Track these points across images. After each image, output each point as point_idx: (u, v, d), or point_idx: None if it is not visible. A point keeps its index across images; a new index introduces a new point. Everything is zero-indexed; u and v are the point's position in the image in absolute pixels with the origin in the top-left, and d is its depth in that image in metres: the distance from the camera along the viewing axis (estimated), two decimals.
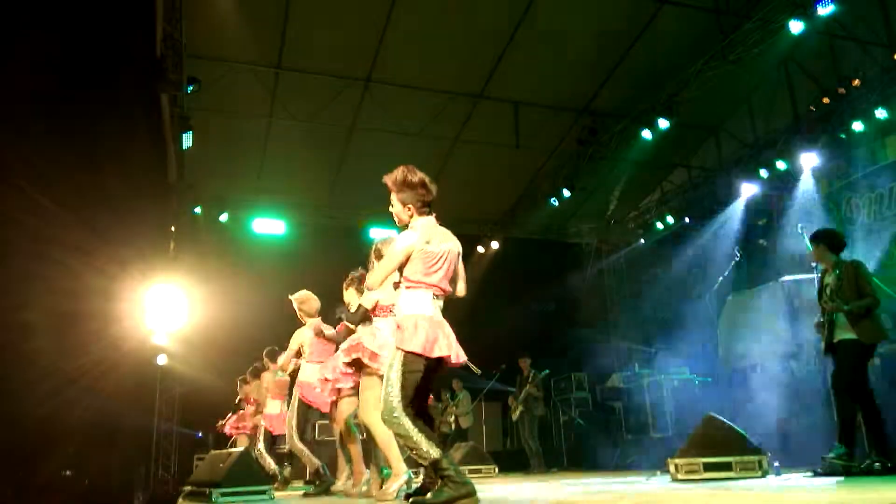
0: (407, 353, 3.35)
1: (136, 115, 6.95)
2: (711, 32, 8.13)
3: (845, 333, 4.68)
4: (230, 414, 8.67)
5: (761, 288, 8.07)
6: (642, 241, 12.63)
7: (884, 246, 8.61)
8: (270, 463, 7.26)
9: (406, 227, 3.61)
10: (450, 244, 3.60)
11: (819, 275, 5.08)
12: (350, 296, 5.38)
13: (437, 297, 3.54)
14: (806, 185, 9.95)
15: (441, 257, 3.52)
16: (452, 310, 4.01)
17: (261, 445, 7.42)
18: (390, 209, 3.64)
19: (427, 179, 3.58)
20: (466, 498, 3.12)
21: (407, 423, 3.25)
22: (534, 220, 12.21)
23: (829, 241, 4.95)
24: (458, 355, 3.52)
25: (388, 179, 3.61)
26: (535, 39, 8.74)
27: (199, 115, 8.42)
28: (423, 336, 3.37)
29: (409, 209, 3.57)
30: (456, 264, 3.64)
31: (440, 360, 3.46)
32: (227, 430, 8.50)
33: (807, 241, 5.72)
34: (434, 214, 3.63)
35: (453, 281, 3.65)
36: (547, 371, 9.50)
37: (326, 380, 5.03)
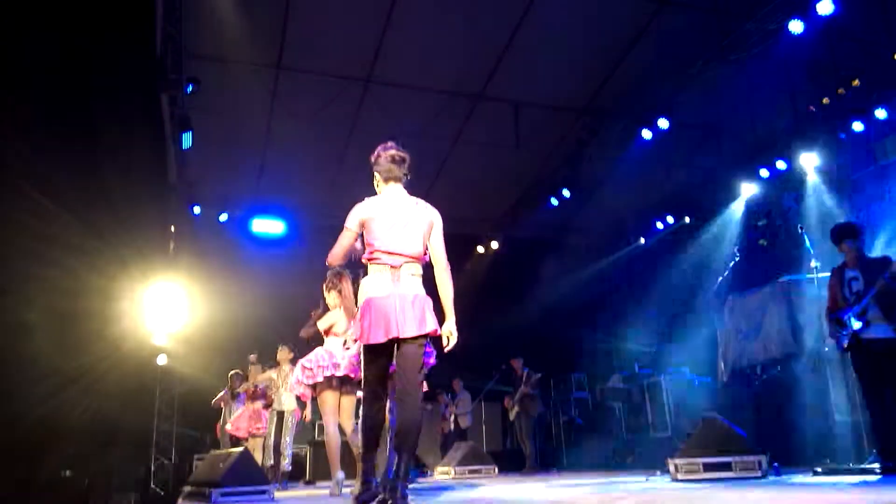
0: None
1: (136, 115, 6.94)
2: (711, 32, 8.12)
3: (879, 328, 4.61)
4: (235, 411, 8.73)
5: (761, 288, 8.06)
6: (642, 241, 12.63)
7: (884, 247, 8.61)
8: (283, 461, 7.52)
9: None
10: (403, 210, 3.54)
11: (838, 268, 5.03)
12: (332, 298, 5.41)
13: (393, 267, 3.43)
14: (805, 185, 9.96)
15: (387, 223, 3.48)
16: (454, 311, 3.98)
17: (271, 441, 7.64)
18: None
19: (386, 154, 3.66)
20: None
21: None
22: (534, 220, 12.21)
23: (857, 235, 4.97)
24: (401, 331, 3.36)
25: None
26: (535, 39, 8.73)
27: (199, 115, 8.42)
28: (366, 323, 3.38)
29: (376, 179, 3.70)
30: (390, 225, 3.51)
31: (392, 342, 3.41)
32: (240, 433, 8.48)
33: (807, 241, 5.71)
34: (402, 184, 3.67)
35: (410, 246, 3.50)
36: (539, 374, 9.51)
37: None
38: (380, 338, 3.34)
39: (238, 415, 8.48)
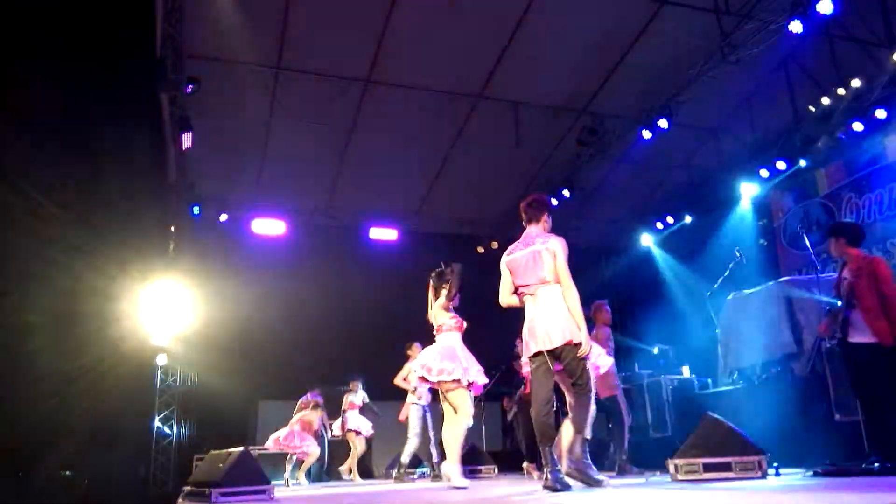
0: None
1: (136, 115, 6.94)
2: (711, 32, 8.12)
3: (862, 335, 4.55)
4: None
5: (761, 288, 8.05)
6: (642, 240, 12.63)
7: (884, 247, 8.61)
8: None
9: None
10: (526, 250, 4.30)
11: (838, 268, 4.99)
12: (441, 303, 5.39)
13: (530, 296, 4.19)
14: (805, 185, 9.96)
15: (515, 264, 4.31)
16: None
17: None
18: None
19: (524, 203, 4.57)
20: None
21: None
22: None
23: (848, 234, 4.87)
24: (545, 343, 4.07)
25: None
26: (535, 39, 8.73)
27: (199, 115, 8.42)
28: (525, 342, 4.25)
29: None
30: (521, 265, 4.27)
31: (550, 352, 4.07)
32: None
33: (807, 240, 5.71)
34: (535, 223, 4.49)
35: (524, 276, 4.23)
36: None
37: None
38: (531, 352, 4.17)
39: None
